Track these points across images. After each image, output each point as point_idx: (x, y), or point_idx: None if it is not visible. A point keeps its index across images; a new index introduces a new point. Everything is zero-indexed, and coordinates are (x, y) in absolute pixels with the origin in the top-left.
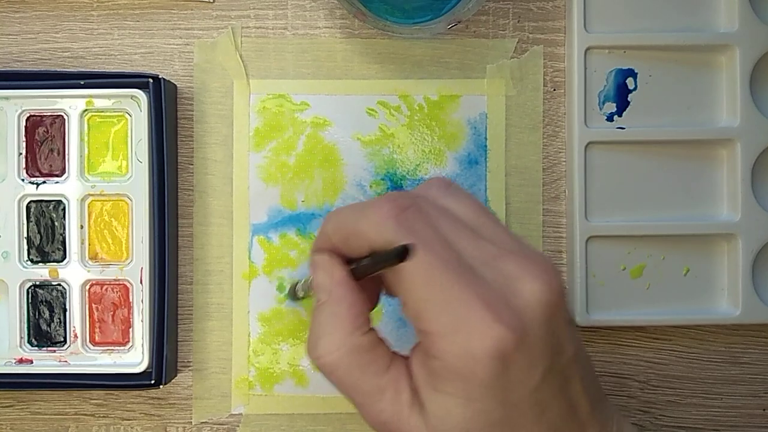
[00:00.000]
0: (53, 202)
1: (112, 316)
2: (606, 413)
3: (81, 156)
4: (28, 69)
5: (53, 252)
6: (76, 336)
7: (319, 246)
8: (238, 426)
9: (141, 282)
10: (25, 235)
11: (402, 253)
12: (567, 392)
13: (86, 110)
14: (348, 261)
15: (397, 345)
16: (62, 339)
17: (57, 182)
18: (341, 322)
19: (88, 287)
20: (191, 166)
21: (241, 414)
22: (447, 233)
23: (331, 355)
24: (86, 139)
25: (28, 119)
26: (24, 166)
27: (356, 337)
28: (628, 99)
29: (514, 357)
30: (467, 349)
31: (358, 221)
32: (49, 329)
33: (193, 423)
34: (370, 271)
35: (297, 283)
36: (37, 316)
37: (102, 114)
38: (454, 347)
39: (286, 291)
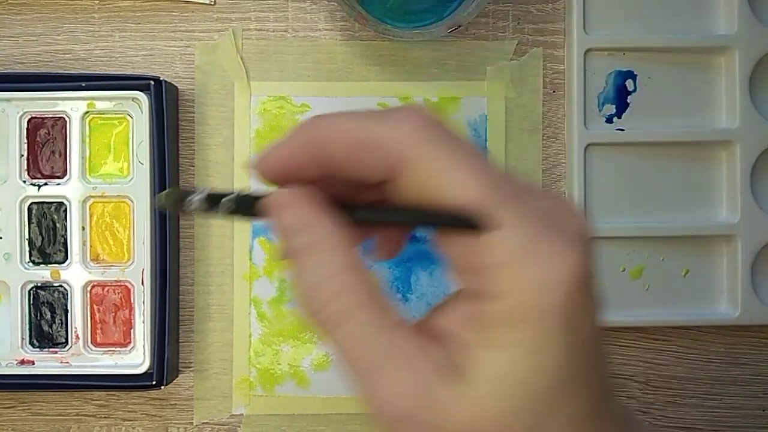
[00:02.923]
0: (55, 204)
1: (114, 317)
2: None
3: (82, 158)
4: (30, 71)
5: (55, 253)
6: (77, 337)
7: (290, 158)
8: (239, 426)
9: (142, 283)
10: (27, 236)
11: (470, 223)
12: (604, 360)
13: (87, 112)
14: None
15: None
16: (64, 340)
17: (58, 184)
18: (343, 261)
19: (89, 288)
20: (192, 168)
21: (242, 414)
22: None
23: (339, 299)
24: (87, 140)
25: (29, 121)
26: (25, 167)
27: (366, 275)
28: (628, 101)
29: (587, 291)
30: (541, 278)
31: (381, 130)
32: (50, 330)
33: (194, 423)
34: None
35: (223, 195)
36: (38, 318)
37: (103, 116)
38: (524, 278)
39: (191, 199)
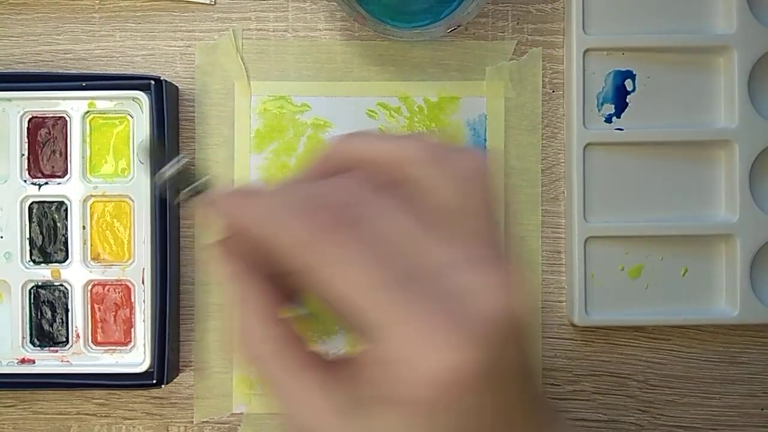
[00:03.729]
0: (55, 203)
1: (114, 316)
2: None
3: (83, 157)
4: (30, 71)
5: (55, 253)
6: (78, 336)
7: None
8: (240, 425)
9: (143, 282)
10: (28, 235)
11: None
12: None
13: (88, 112)
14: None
15: None
16: (64, 339)
17: (59, 183)
18: (260, 315)
19: (90, 287)
20: (192, 168)
21: (242, 413)
22: (387, 243)
23: (259, 346)
24: (88, 140)
25: (30, 121)
26: (26, 167)
27: (278, 327)
28: (627, 100)
29: (473, 384)
30: (412, 379)
31: (277, 236)
32: (51, 329)
33: (194, 422)
34: None
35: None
36: (39, 317)
37: (104, 115)
38: (394, 376)
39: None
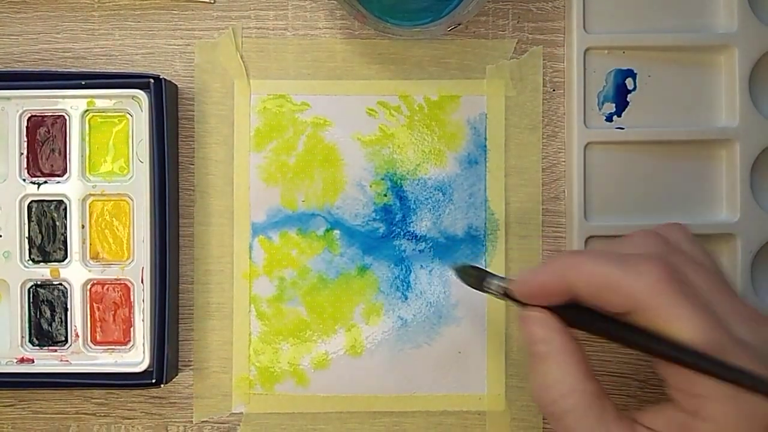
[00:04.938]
0: (54, 202)
1: (113, 315)
2: None
3: (82, 156)
4: (30, 69)
5: (54, 252)
6: (77, 335)
7: (543, 287)
8: (239, 425)
9: (142, 281)
10: (27, 234)
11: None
12: None
13: (87, 110)
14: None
15: (398, 344)
16: (63, 338)
17: (58, 182)
18: (570, 369)
19: (89, 287)
20: (192, 166)
21: (241, 413)
22: (706, 294)
23: (565, 399)
24: (87, 139)
25: (29, 119)
26: (25, 166)
27: (588, 382)
28: (628, 99)
29: None
30: (747, 414)
31: (623, 277)
32: (50, 329)
33: (193, 422)
34: (630, 342)
35: (490, 275)
36: (38, 316)
37: (103, 114)
38: (732, 411)
39: (459, 272)
